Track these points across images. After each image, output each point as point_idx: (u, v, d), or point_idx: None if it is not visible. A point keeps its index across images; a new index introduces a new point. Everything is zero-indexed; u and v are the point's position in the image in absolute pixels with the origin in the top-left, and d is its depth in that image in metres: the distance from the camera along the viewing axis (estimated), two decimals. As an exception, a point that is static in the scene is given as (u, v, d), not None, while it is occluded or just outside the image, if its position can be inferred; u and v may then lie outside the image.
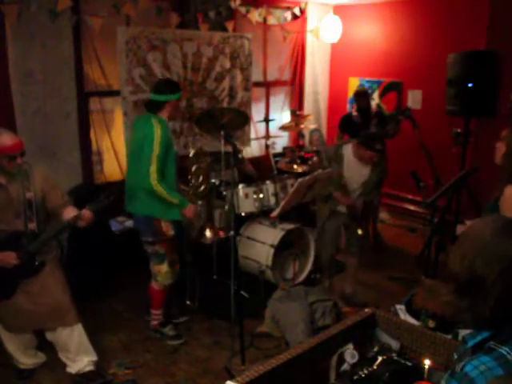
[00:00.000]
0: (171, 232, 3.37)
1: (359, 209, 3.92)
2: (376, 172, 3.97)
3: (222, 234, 3.47)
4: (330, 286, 4.19)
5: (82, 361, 3.01)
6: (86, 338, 3.01)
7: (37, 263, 2.82)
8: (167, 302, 3.65)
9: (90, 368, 3.03)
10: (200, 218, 3.41)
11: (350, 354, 1.80)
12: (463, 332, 2.04)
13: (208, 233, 3.40)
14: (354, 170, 3.90)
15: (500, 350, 1.17)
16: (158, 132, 3.14)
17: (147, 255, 3.44)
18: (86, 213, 2.80)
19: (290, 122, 5.63)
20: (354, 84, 6.48)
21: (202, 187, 3.45)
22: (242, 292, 3.88)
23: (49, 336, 2.98)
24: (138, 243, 3.46)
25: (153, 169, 3.12)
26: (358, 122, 5.18)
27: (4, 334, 3.00)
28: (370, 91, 5.86)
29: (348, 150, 3.88)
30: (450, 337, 1.98)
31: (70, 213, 2.89)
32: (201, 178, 3.41)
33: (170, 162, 3.28)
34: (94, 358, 3.06)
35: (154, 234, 3.35)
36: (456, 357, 1.34)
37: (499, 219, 1.29)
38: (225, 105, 5.20)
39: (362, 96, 5.30)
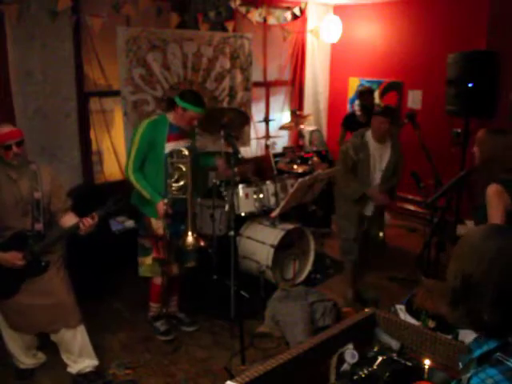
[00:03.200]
0: (161, 231, 3.37)
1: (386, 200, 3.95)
2: (395, 151, 3.96)
3: (202, 243, 3.43)
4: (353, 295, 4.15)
5: (83, 362, 3.01)
6: (88, 341, 3.01)
7: (43, 263, 2.83)
8: (166, 300, 3.70)
9: (91, 369, 3.03)
10: (165, 217, 3.29)
11: (350, 354, 1.79)
12: (463, 332, 2.04)
13: (189, 238, 3.35)
14: (378, 154, 3.91)
15: (508, 362, 1.15)
16: (143, 126, 3.25)
17: (136, 245, 3.51)
18: (90, 220, 2.79)
19: (290, 122, 5.63)
20: (354, 84, 6.49)
21: (180, 192, 3.31)
22: (242, 292, 3.88)
23: (53, 337, 2.98)
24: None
25: (130, 160, 3.25)
26: (363, 121, 5.15)
27: (7, 333, 3.00)
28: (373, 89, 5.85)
29: (369, 136, 3.89)
30: (450, 337, 1.98)
31: (69, 219, 2.90)
32: (181, 182, 3.30)
33: (153, 161, 3.28)
34: (96, 362, 3.06)
35: (143, 228, 3.44)
36: (461, 366, 1.32)
37: (487, 226, 1.34)
38: (225, 105, 5.20)
39: (366, 94, 5.29)
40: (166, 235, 3.37)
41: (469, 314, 1.22)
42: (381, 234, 4.28)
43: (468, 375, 1.18)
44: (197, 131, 3.49)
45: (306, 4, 6.18)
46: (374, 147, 3.88)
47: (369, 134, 3.89)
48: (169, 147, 3.30)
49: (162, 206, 3.24)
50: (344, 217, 4.04)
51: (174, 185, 3.30)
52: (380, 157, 3.93)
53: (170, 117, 3.32)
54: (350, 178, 3.87)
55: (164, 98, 3.55)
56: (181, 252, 3.52)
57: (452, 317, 1.27)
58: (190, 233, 3.30)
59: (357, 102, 5.47)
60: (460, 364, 1.34)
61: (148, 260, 3.45)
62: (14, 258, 2.71)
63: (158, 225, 3.36)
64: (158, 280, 3.52)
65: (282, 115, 6.30)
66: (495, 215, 2.51)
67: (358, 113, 5.27)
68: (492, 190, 2.57)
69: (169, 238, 3.39)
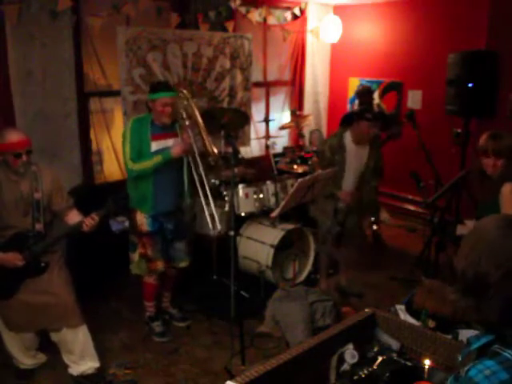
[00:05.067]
0: (145, 228, 3.40)
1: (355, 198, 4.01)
2: (372, 156, 4.00)
3: (216, 150, 3.48)
4: (327, 286, 4.23)
5: (85, 364, 3.01)
6: (90, 342, 3.00)
7: (42, 264, 2.83)
8: (159, 297, 3.76)
9: (92, 371, 3.03)
10: (194, 146, 3.34)
11: (350, 354, 1.79)
12: (463, 332, 2.04)
13: (209, 149, 3.36)
14: (355, 157, 3.94)
15: (505, 353, 1.15)
16: (130, 122, 3.31)
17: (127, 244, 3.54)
18: (94, 218, 2.80)
19: (290, 122, 5.63)
20: (354, 84, 6.48)
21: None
22: (242, 292, 3.88)
23: (53, 337, 2.98)
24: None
25: (127, 155, 3.25)
26: None
27: (6, 334, 2.99)
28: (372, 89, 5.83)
29: (348, 138, 3.92)
30: (450, 337, 1.98)
31: (74, 216, 2.92)
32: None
33: (142, 159, 3.29)
34: (97, 364, 3.05)
35: (130, 225, 3.48)
36: (460, 359, 1.32)
37: (505, 218, 1.27)
38: (225, 105, 5.20)
39: (365, 94, 5.28)
40: (149, 232, 3.41)
41: (476, 308, 1.21)
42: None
43: (466, 368, 1.18)
44: (178, 124, 3.44)
45: (306, 4, 6.17)
46: (351, 149, 3.91)
47: (347, 136, 3.91)
48: (156, 146, 3.31)
49: (178, 148, 3.26)
50: (321, 211, 4.10)
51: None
52: (356, 158, 3.95)
53: (154, 116, 3.35)
54: None
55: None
56: (169, 252, 3.55)
57: (459, 304, 1.25)
58: (209, 148, 3.36)
59: (356, 102, 5.47)
60: (459, 357, 1.34)
61: (135, 256, 3.48)
62: (14, 258, 2.72)
63: (142, 221, 3.39)
64: (149, 279, 3.55)
65: (282, 115, 6.29)
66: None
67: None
68: (508, 189, 2.56)
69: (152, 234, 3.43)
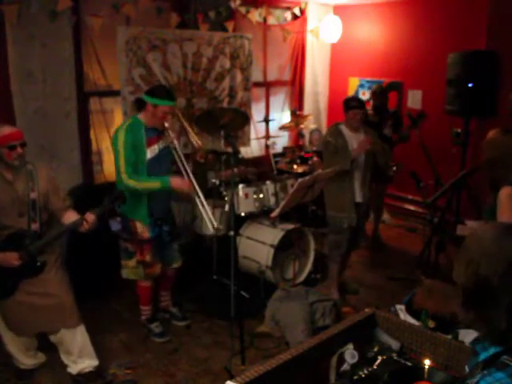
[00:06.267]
0: (147, 234, 3.36)
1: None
2: (373, 142, 4.00)
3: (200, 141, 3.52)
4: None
5: (83, 362, 3.01)
6: (88, 341, 3.01)
7: (38, 263, 2.82)
8: (155, 300, 3.73)
9: (91, 369, 3.03)
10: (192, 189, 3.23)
11: (350, 354, 1.79)
12: (463, 332, 2.04)
13: (191, 137, 3.38)
14: (355, 142, 3.94)
15: None
16: (122, 132, 3.17)
17: (119, 248, 3.48)
18: (90, 217, 2.79)
19: (290, 122, 5.63)
20: (354, 84, 6.49)
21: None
22: (242, 292, 3.88)
23: (52, 338, 2.97)
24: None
25: (122, 168, 3.15)
26: (374, 121, 4.94)
27: (6, 335, 2.99)
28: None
29: (343, 127, 3.97)
30: (450, 337, 1.98)
31: (70, 217, 2.89)
32: None
33: (138, 167, 3.23)
34: (95, 362, 3.05)
35: (128, 233, 3.40)
36: (467, 370, 1.30)
37: (499, 225, 1.29)
38: (225, 105, 5.20)
39: (380, 95, 5.21)
40: (150, 238, 3.37)
41: (482, 318, 1.20)
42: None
43: (474, 380, 1.17)
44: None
45: (306, 4, 6.18)
46: (349, 136, 3.94)
47: (342, 126, 3.98)
48: (150, 153, 3.26)
49: (178, 181, 3.19)
50: (337, 207, 3.96)
51: None
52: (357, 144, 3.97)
53: (142, 119, 3.26)
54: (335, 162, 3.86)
55: (133, 100, 3.56)
56: (166, 253, 3.54)
57: (465, 318, 1.24)
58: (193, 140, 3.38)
59: (371, 102, 5.38)
60: (466, 368, 1.32)
61: (131, 263, 3.43)
62: (11, 258, 2.71)
63: (143, 229, 3.36)
64: (145, 282, 3.52)
65: (282, 115, 6.29)
66: (507, 219, 2.47)
67: (371, 112, 5.12)
68: (505, 192, 2.52)
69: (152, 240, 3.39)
